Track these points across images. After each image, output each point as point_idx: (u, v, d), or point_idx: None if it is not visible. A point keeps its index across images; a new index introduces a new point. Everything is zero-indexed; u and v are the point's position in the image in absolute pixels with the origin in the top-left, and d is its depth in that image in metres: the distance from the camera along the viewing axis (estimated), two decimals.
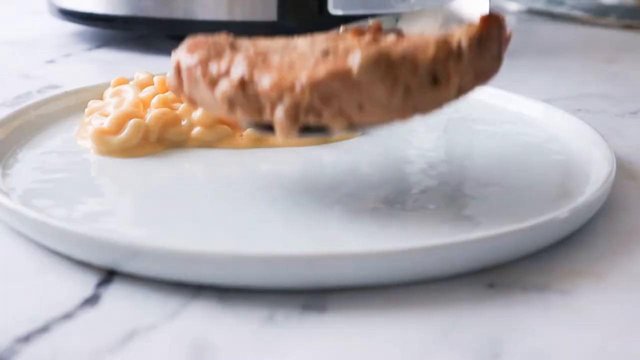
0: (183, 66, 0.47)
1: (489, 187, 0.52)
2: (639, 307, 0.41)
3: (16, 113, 0.59)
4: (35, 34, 0.98)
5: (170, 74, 0.49)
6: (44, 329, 0.38)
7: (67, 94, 0.65)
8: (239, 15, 0.84)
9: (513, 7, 1.18)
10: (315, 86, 0.42)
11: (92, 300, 0.41)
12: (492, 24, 0.45)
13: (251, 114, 0.45)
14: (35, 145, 0.57)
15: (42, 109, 0.62)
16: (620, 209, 0.51)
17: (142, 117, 0.57)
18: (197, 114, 0.58)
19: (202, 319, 0.39)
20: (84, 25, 0.97)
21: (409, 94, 0.42)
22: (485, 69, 0.45)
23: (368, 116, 0.43)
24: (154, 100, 0.60)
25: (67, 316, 0.39)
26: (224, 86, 0.45)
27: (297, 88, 0.42)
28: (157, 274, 0.42)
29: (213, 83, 0.46)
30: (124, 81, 0.65)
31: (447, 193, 0.51)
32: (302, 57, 0.45)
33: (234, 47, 0.48)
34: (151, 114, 0.57)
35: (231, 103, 0.45)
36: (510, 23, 1.14)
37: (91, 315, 0.39)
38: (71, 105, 0.64)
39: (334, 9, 0.83)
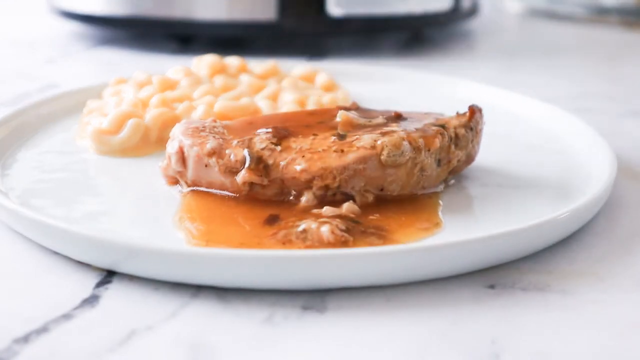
0: (190, 153, 0.48)
1: (489, 187, 0.52)
2: (639, 307, 0.41)
3: (15, 113, 0.59)
4: (35, 34, 0.98)
5: (174, 159, 0.49)
6: (43, 329, 0.38)
7: (66, 94, 0.65)
8: (238, 15, 0.84)
9: (513, 7, 1.18)
10: (344, 170, 0.47)
11: (91, 300, 0.40)
12: (479, 113, 0.53)
13: (273, 195, 0.48)
14: (34, 145, 0.57)
15: (41, 109, 0.62)
16: (620, 209, 0.51)
17: (141, 117, 0.57)
18: (197, 113, 0.58)
19: (201, 319, 0.39)
20: (84, 25, 0.97)
21: (422, 175, 0.49)
22: (472, 152, 0.53)
23: (386, 193, 0.48)
24: (153, 99, 0.60)
25: (66, 316, 0.39)
26: (246, 172, 0.47)
27: (327, 173, 0.47)
28: (155, 275, 0.41)
29: (231, 171, 0.48)
30: (123, 81, 0.64)
31: (448, 193, 0.51)
32: (316, 141, 0.48)
33: (230, 130, 0.50)
34: (150, 113, 0.57)
35: (252, 187, 0.47)
36: (510, 23, 1.14)
37: (90, 315, 0.39)
38: (69, 105, 0.64)
39: (333, 9, 0.83)
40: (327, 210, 0.46)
